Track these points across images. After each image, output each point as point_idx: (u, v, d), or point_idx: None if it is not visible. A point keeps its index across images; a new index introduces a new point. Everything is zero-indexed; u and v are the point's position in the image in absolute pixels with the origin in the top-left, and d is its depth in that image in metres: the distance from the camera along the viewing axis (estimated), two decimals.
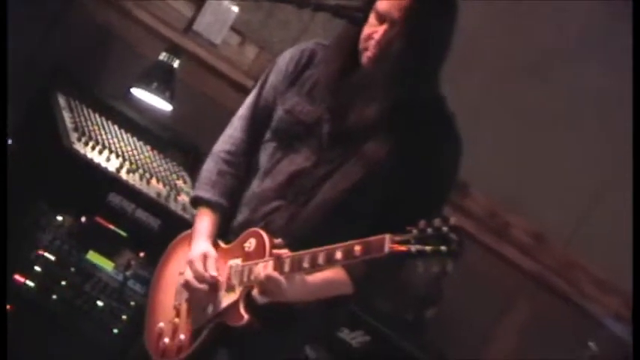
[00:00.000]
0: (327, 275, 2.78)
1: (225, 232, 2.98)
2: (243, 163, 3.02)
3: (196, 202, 3.04)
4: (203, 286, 2.87)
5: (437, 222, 2.48)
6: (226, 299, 2.84)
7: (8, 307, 3.82)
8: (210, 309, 2.88)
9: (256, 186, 2.95)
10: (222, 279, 2.87)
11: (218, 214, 2.99)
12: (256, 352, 2.88)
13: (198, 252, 2.91)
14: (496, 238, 5.18)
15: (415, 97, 2.82)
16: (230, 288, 2.84)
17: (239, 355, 2.87)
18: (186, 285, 2.91)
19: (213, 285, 2.87)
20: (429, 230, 2.48)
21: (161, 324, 3.01)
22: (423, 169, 2.82)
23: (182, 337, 2.93)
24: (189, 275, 2.90)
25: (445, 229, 2.47)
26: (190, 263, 2.90)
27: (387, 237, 2.53)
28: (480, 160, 4.67)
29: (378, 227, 2.61)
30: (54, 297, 3.91)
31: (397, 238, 2.52)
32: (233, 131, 3.05)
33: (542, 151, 5.15)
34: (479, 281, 5.12)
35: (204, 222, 2.99)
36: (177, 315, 2.98)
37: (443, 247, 2.46)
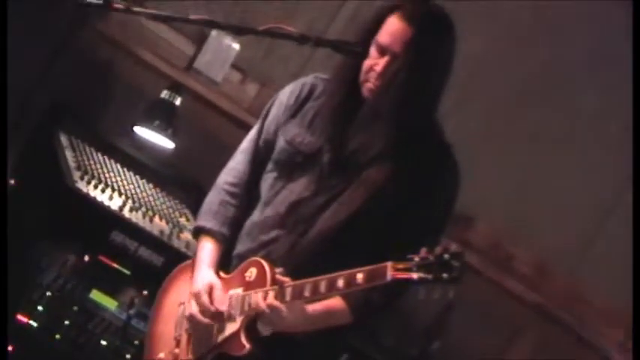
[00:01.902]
0: (327, 304, 2.80)
1: (225, 262, 2.99)
2: (245, 195, 3.05)
3: (198, 232, 3.06)
4: (207, 321, 2.88)
5: (438, 249, 2.51)
6: (227, 329, 2.85)
7: (10, 347, 3.81)
8: (211, 339, 2.88)
9: (257, 216, 2.97)
10: (223, 308, 2.88)
11: (220, 243, 3.01)
12: None
13: (203, 283, 2.91)
14: (499, 271, 5.17)
15: (415, 126, 2.85)
16: (231, 318, 2.85)
17: None
18: (191, 318, 2.91)
19: (218, 318, 2.87)
20: (431, 258, 2.50)
21: (161, 355, 3.03)
22: (423, 197, 2.84)
23: None
24: (194, 309, 2.90)
25: (447, 256, 2.49)
26: (196, 296, 2.90)
27: (389, 264, 2.55)
28: (481, 192, 4.69)
29: (378, 255, 2.63)
30: (57, 336, 3.90)
31: (400, 266, 2.54)
32: (235, 164, 3.09)
33: (544, 181, 5.16)
34: (483, 314, 5.11)
35: (206, 251, 3.00)
36: (178, 345, 2.99)
37: (445, 275, 2.48)
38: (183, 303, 3.01)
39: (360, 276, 2.61)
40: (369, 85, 2.85)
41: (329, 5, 4.83)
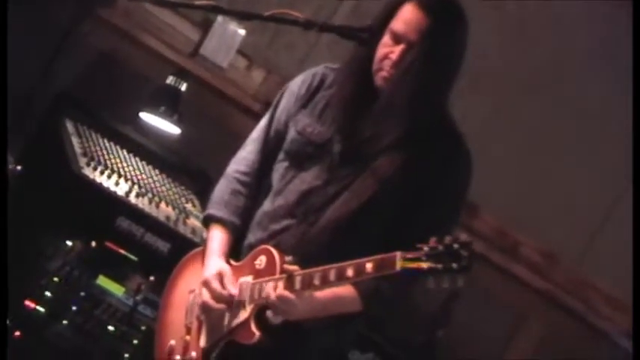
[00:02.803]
0: (336, 292, 2.79)
1: (236, 252, 2.99)
2: (255, 184, 3.05)
3: (209, 220, 3.05)
4: (221, 306, 2.87)
5: (448, 239, 2.49)
6: (237, 317, 2.85)
7: (18, 333, 3.83)
8: (221, 327, 2.88)
9: (267, 206, 2.97)
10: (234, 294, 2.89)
11: (230, 232, 3.00)
12: None
13: (212, 270, 2.91)
14: (506, 258, 5.17)
15: (428, 116, 2.85)
16: (241, 306, 2.85)
17: None
18: (204, 306, 2.90)
19: (231, 303, 2.87)
20: (440, 247, 2.49)
21: (172, 341, 3.02)
22: (434, 187, 2.83)
23: (193, 354, 2.94)
24: (206, 296, 2.90)
25: (456, 245, 2.48)
26: (206, 283, 2.90)
27: (399, 254, 2.54)
28: (489, 180, 4.68)
29: (388, 245, 2.62)
30: (64, 322, 3.90)
31: (409, 256, 2.52)
32: (246, 153, 3.08)
33: (551, 168, 5.16)
34: (490, 301, 5.11)
35: (217, 240, 3.00)
36: (188, 333, 2.99)
37: (454, 264, 2.46)
38: (194, 291, 3.00)
39: (369, 265, 2.60)
40: (383, 73, 2.84)
41: None
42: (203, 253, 3.03)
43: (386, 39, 2.83)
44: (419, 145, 2.83)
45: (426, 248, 2.50)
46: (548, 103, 5.10)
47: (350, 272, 2.64)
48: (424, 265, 2.49)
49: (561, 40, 5.09)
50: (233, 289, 2.87)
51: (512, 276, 5.18)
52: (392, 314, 2.99)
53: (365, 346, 4.35)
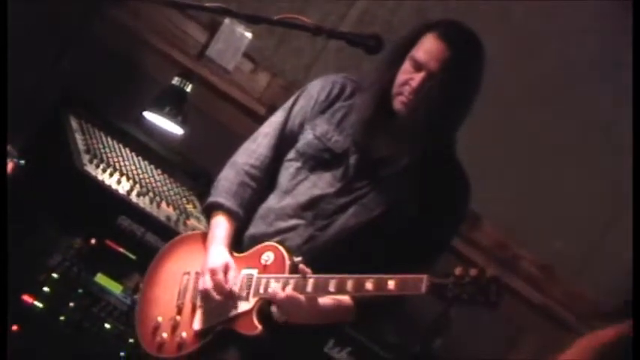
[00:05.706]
0: (338, 301, 2.85)
1: (234, 242, 3.04)
2: (263, 179, 3.10)
3: (214, 208, 3.10)
4: (220, 298, 2.93)
5: (473, 271, 2.54)
6: (238, 307, 2.90)
7: (15, 327, 3.83)
8: (219, 314, 2.94)
9: (274, 202, 3.02)
10: (236, 287, 2.93)
11: (235, 223, 3.06)
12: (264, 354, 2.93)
13: (220, 262, 2.96)
14: (505, 271, 5.16)
15: (440, 142, 2.94)
16: (243, 297, 2.90)
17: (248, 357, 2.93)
18: (205, 293, 2.95)
19: (230, 297, 2.92)
20: (467, 278, 2.54)
21: (159, 318, 3.08)
22: (439, 211, 2.92)
23: (184, 334, 2.99)
24: (209, 285, 2.93)
25: (483, 279, 2.52)
26: (212, 272, 2.95)
27: (425, 277, 2.60)
28: (489, 192, 4.68)
29: (387, 261, 2.74)
30: (62, 318, 3.91)
31: (435, 281, 2.58)
32: (257, 147, 3.13)
33: (552, 182, 5.15)
34: (487, 314, 5.09)
35: (222, 229, 3.05)
36: (179, 313, 3.04)
37: (481, 297, 2.51)
38: (189, 273, 3.07)
39: (391, 282, 2.66)
40: (402, 98, 2.92)
41: (339, 4, 4.82)
42: (201, 238, 3.11)
43: (407, 65, 2.91)
44: (427, 169, 2.92)
45: (452, 277, 2.56)
46: (551, 114, 5.10)
47: (369, 286, 2.70)
48: (449, 292, 2.55)
49: (566, 50, 5.08)
50: (234, 287, 2.93)
51: (510, 290, 5.17)
52: (386, 324, 3.04)
53: (362, 356, 4.34)
